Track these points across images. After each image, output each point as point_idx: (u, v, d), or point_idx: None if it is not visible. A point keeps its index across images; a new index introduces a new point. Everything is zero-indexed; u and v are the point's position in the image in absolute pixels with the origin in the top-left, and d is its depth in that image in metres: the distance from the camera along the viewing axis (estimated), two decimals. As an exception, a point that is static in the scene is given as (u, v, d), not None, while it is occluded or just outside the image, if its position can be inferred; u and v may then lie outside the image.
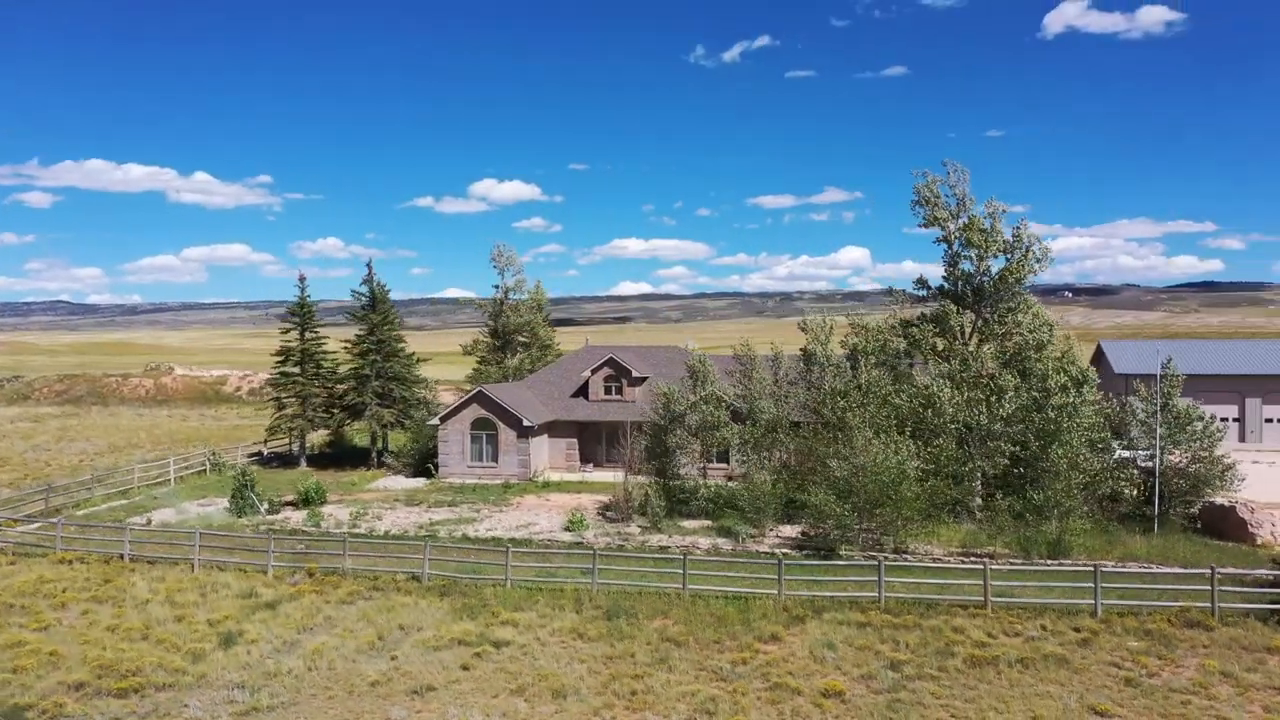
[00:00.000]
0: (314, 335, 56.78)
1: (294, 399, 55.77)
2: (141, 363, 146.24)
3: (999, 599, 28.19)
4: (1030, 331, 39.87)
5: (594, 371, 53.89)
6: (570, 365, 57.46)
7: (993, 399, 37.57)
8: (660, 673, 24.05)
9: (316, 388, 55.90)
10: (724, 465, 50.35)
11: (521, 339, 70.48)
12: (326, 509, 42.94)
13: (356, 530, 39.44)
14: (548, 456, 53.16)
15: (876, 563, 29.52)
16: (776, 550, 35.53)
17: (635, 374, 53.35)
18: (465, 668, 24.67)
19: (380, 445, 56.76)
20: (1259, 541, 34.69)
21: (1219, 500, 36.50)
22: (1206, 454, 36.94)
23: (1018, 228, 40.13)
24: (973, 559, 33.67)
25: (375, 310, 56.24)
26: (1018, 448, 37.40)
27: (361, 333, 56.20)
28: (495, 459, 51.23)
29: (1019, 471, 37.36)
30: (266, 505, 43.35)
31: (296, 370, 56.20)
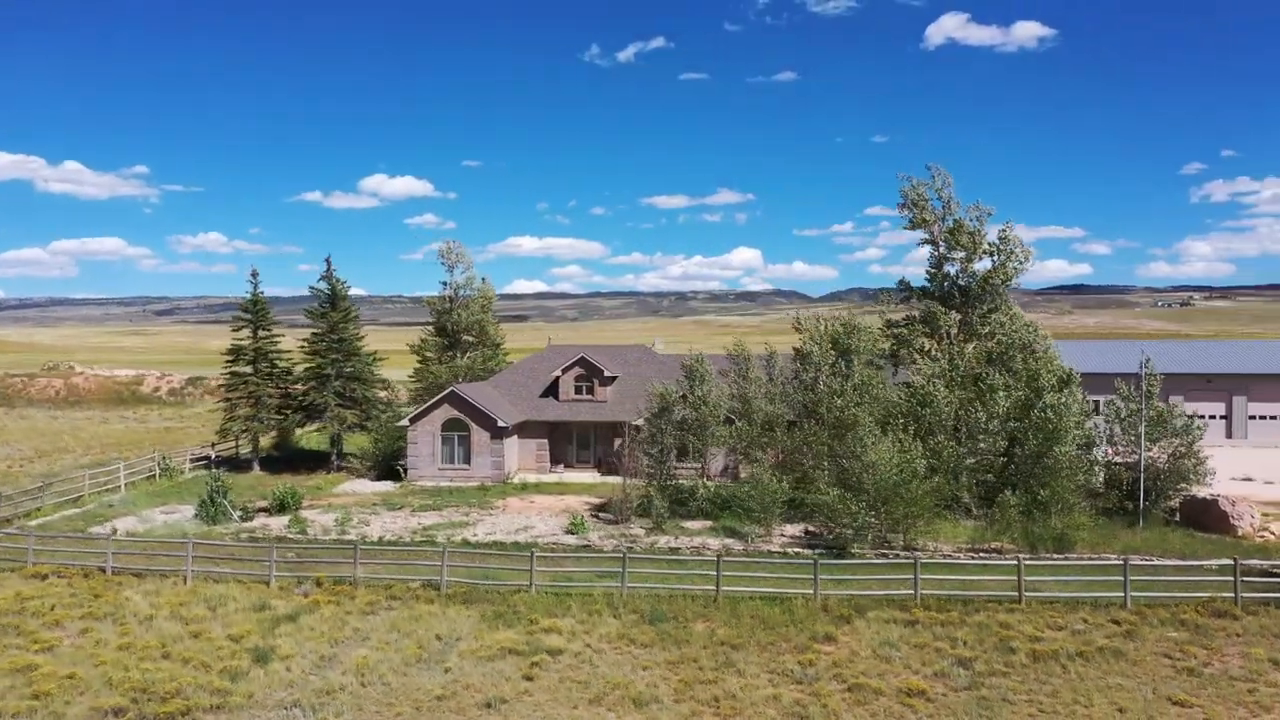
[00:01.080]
0: (267, 334, 54.38)
1: (246, 400, 53.27)
2: (13, 362, 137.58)
3: (1030, 594, 28.83)
4: (1014, 332, 40.98)
5: (565, 371, 53.15)
6: (536, 365, 56.55)
7: (986, 397, 38.47)
8: (731, 677, 23.78)
9: (271, 388, 53.53)
10: (699, 465, 50.34)
11: (468, 338, 69.06)
12: (306, 515, 41.14)
13: (347, 537, 37.89)
14: (518, 458, 52.16)
15: (912, 560, 29.94)
16: (788, 549, 35.66)
17: (607, 373, 52.84)
18: (528, 678, 23.91)
19: (337, 448, 54.69)
20: (1240, 533, 36.43)
21: (1201, 494, 38.18)
22: (1186, 450, 38.59)
23: (1004, 230, 41.21)
24: (982, 554, 34.40)
25: (335, 308, 54.17)
26: (1010, 444, 38.36)
27: (320, 330, 54.08)
28: (468, 461, 50.01)
29: (1013, 468, 38.32)
30: (240, 512, 41.31)
31: (249, 370, 53.71)
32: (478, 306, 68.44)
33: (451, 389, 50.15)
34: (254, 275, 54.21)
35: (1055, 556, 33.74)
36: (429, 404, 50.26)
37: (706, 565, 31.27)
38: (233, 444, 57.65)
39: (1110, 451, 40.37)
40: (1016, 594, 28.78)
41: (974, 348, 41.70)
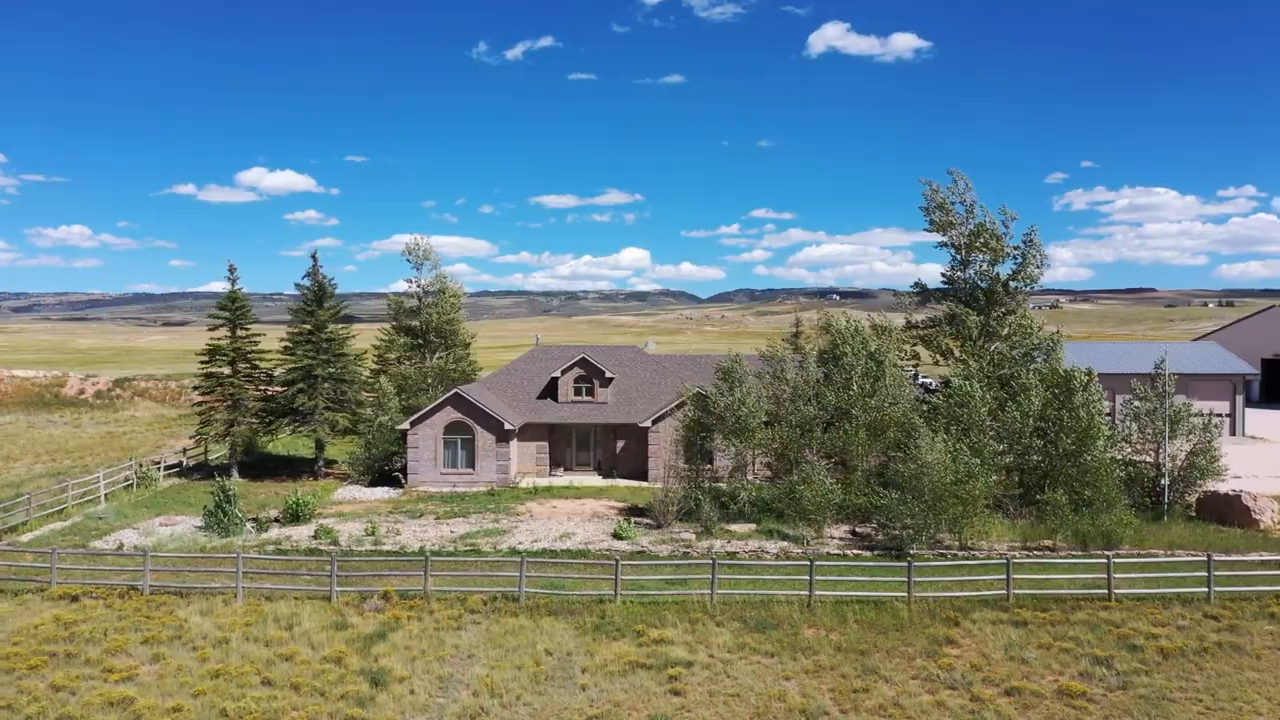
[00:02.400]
0: (245, 333, 51.29)
1: (224, 403, 50.18)
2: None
3: (1116, 591, 29.36)
4: (1034, 333, 41.91)
5: (564, 372, 51.87)
6: (529, 365, 55.05)
7: (1020, 396, 39.20)
8: (880, 684, 23.44)
9: (252, 391, 50.52)
10: (708, 466, 49.84)
11: (434, 338, 66.94)
12: (324, 524, 38.90)
13: (384, 548, 36.02)
14: (519, 461, 50.67)
15: (1004, 560, 30.18)
16: (846, 550, 35.50)
17: (608, 374, 51.81)
18: (676, 693, 23.08)
19: (321, 453, 52.03)
20: (1262, 526, 38.06)
21: (1221, 489, 39.73)
22: (1205, 447, 40.07)
23: (1029, 234, 42.05)
24: (1035, 553, 34.97)
25: (322, 305, 51.51)
26: (1043, 444, 39.12)
27: (301, 330, 51.32)
28: (471, 465, 48.29)
29: (1045, 466, 39.06)
30: (252, 522, 38.85)
31: (227, 371, 50.59)
32: (448, 305, 66.44)
33: (455, 390, 48.33)
34: (231, 270, 51.12)
35: (1107, 553, 34.51)
36: (430, 406, 48.30)
37: (795, 570, 30.80)
38: (201, 450, 54.31)
39: (1128, 449, 41.57)
40: (1106, 592, 29.28)
41: (995, 349, 42.40)
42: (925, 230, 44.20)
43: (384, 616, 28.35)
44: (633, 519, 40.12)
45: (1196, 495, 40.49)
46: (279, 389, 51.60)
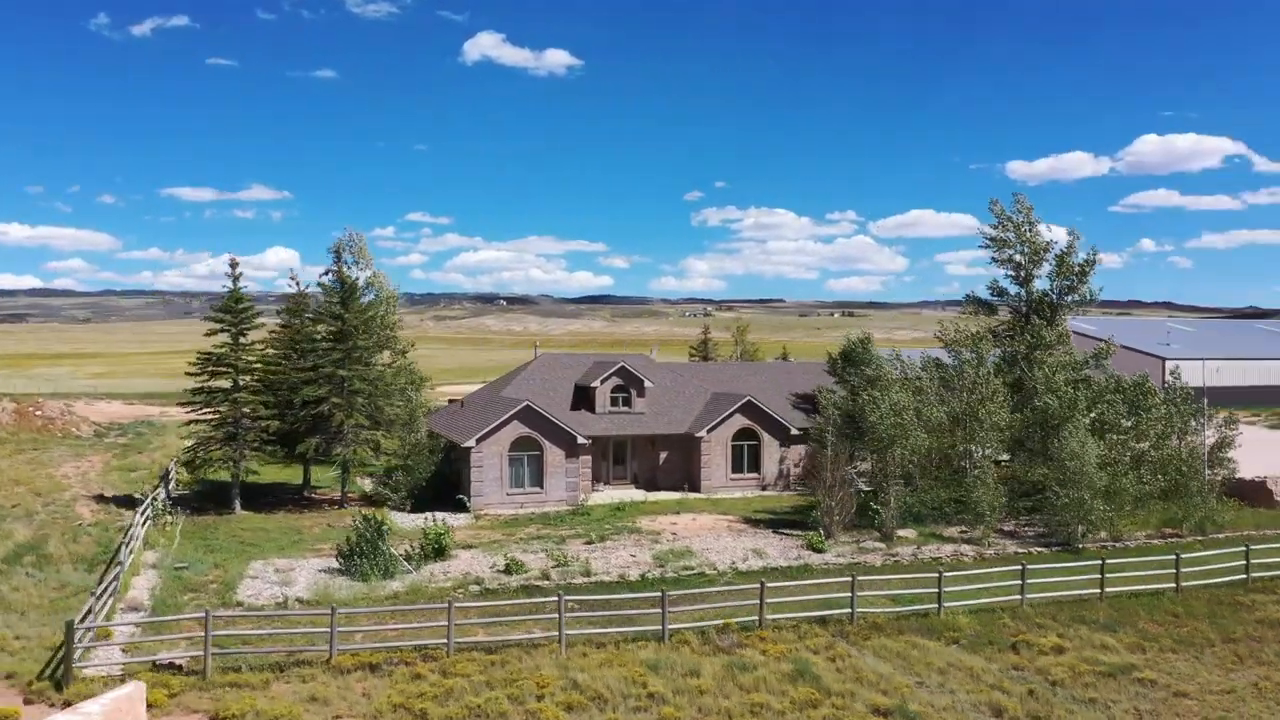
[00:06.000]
0: (247, 340, 43.34)
1: (228, 423, 42.09)
2: None
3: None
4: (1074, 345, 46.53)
5: (603, 382, 49.17)
6: (544, 376, 51.35)
7: (1111, 397, 43.37)
8: (1313, 668, 25.46)
9: (261, 408, 42.70)
10: (755, 475, 49.75)
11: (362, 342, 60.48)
12: (490, 558, 34.38)
13: (602, 579, 32.71)
14: (567, 477, 47.34)
15: (1243, 548, 33.46)
16: (1031, 549, 37.41)
17: (647, 383, 49.89)
18: (1181, 694, 23.78)
19: (343, 477, 45.18)
20: (1283, 507, 45.04)
21: (1249, 476, 46.18)
22: (1227, 440, 46.50)
23: (1091, 254, 46.44)
24: (1170, 539, 39.11)
25: (349, 308, 44.73)
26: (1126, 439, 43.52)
27: (332, 333, 44.41)
28: (539, 484, 44.54)
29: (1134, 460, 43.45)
30: (406, 561, 33.48)
31: (228, 384, 42.47)
32: (385, 307, 60.17)
33: (525, 403, 44.23)
34: (233, 265, 43.01)
35: (1220, 536, 39.36)
36: (497, 422, 43.79)
37: (1082, 570, 32.02)
38: (190, 479, 45.32)
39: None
40: (1318, 571, 33.55)
41: (1053, 358, 46.27)
42: (980, 247, 47.50)
43: (767, 650, 25.97)
44: (782, 530, 39.37)
45: (1226, 481, 46.69)
46: (290, 407, 44.00)
